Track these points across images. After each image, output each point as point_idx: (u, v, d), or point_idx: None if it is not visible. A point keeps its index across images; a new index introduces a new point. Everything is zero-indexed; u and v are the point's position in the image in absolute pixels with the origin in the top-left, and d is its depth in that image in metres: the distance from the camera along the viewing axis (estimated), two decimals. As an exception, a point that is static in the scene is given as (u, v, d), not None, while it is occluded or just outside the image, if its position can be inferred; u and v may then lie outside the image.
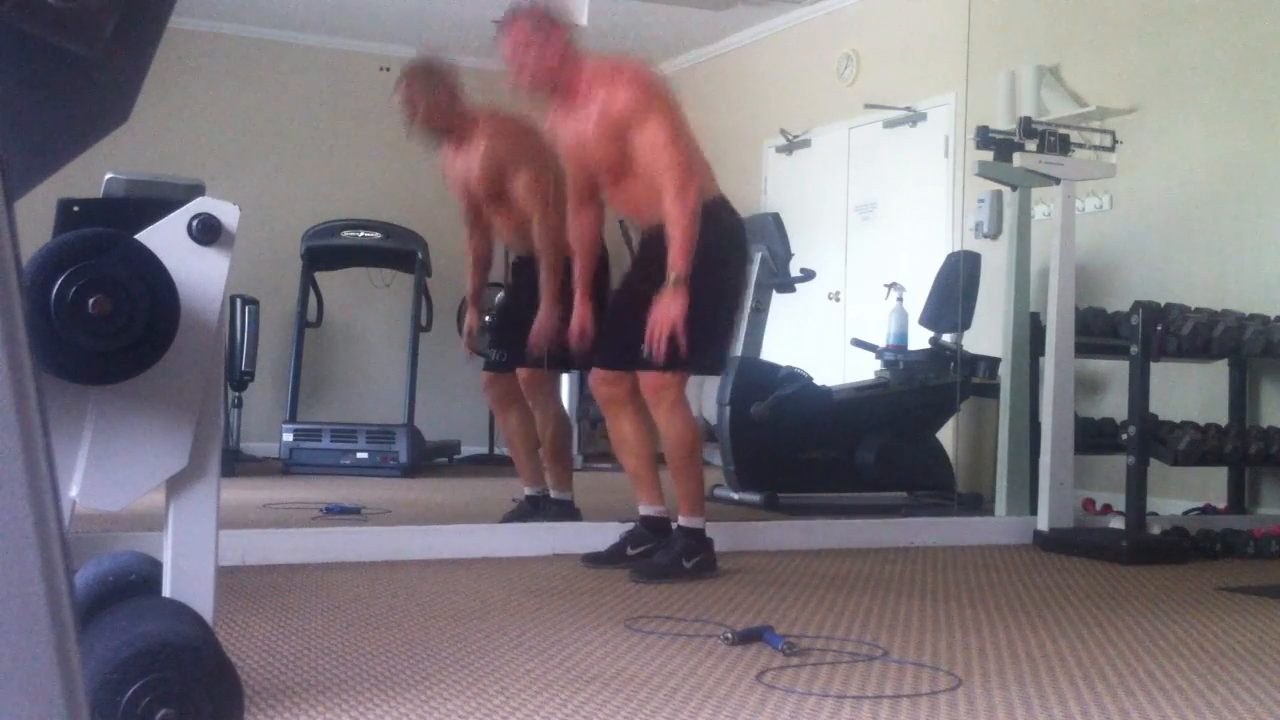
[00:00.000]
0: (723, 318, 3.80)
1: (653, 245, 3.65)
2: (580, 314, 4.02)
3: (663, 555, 3.66)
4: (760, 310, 6.54)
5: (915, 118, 7.03)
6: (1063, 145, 4.84)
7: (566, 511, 4.48)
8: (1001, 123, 5.67)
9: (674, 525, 3.76)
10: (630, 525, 3.88)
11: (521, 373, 4.45)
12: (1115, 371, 5.38)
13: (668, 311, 3.45)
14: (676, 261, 3.46)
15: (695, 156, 3.63)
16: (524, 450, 4.62)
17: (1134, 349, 4.42)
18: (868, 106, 7.16)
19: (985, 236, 6.39)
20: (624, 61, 3.69)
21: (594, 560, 3.80)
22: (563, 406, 4.71)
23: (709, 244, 3.57)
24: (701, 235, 3.53)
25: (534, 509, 4.54)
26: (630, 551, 3.78)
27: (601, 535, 4.02)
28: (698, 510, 3.72)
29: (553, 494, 4.55)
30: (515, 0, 3.74)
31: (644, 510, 3.85)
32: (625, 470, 3.92)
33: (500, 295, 4.88)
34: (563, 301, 4.21)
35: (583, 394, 7.58)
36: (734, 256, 3.81)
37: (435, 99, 4.31)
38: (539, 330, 4.26)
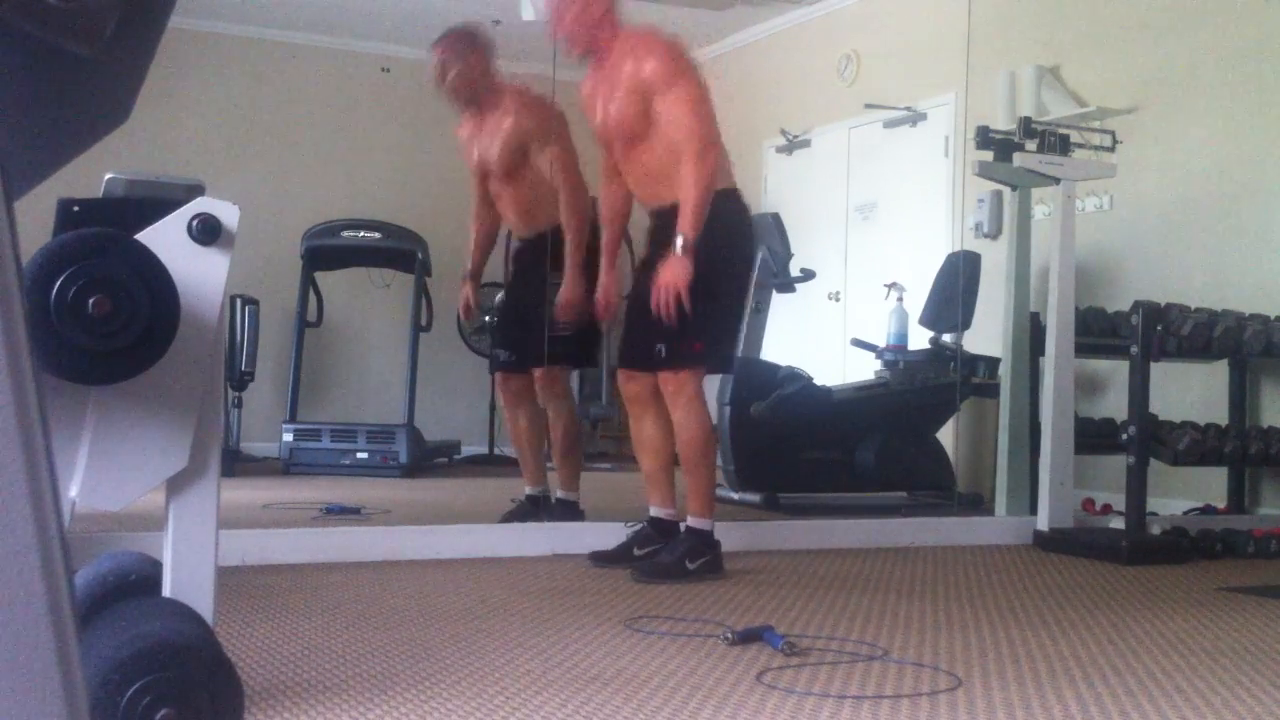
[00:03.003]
0: (733, 313, 3.81)
1: (663, 231, 3.65)
2: (606, 284, 4.02)
3: (667, 555, 3.64)
4: (760, 310, 6.53)
5: (915, 118, 7.03)
6: (1063, 145, 4.84)
7: (570, 512, 4.45)
8: (1001, 123, 5.67)
9: (682, 527, 3.76)
10: (638, 525, 3.87)
11: (537, 372, 4.44)
12: (1115, 371, 5.38)
13: (674, 276, 3.42)
14: (685, 228, 3.45)
15: (716, 135, 3.64)
16: (530, 449, 4.59)
17: (1134, 349, 4.42)
18: (868, 106, 7.16)
19: (985, 236, 6.39)
20: (658, 33, 3.73)
21: (600, 559, 3.80)
22: (575, 406, 4.70)
23: (717, 239, 3.56)
24: (710, 229, 3.52)
25: (534, 508, 4.52)
26: (637, 552, 3.77)
27: (601, 535, 4.02)
28: (706, 510, 3.71)
29: (559, 494, 4.52)
30: None
31: (654, 512, 3.84)
32: (642, 469, 3.89)
33: (501, 293, 4.86)
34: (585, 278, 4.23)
35: (583, 394, 7.58)
36: (741, 254, 3.81)
37: (468, 66, 4.36)
38: (565, 302, 4.25)
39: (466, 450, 8.00)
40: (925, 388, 5.78)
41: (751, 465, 5.56)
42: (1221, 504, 5.23)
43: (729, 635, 2.67)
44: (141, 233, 1.77)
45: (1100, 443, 5.08)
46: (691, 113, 3.53)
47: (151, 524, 2.23)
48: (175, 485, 1.85)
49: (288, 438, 7.07)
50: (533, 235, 4.47)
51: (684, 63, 3.65)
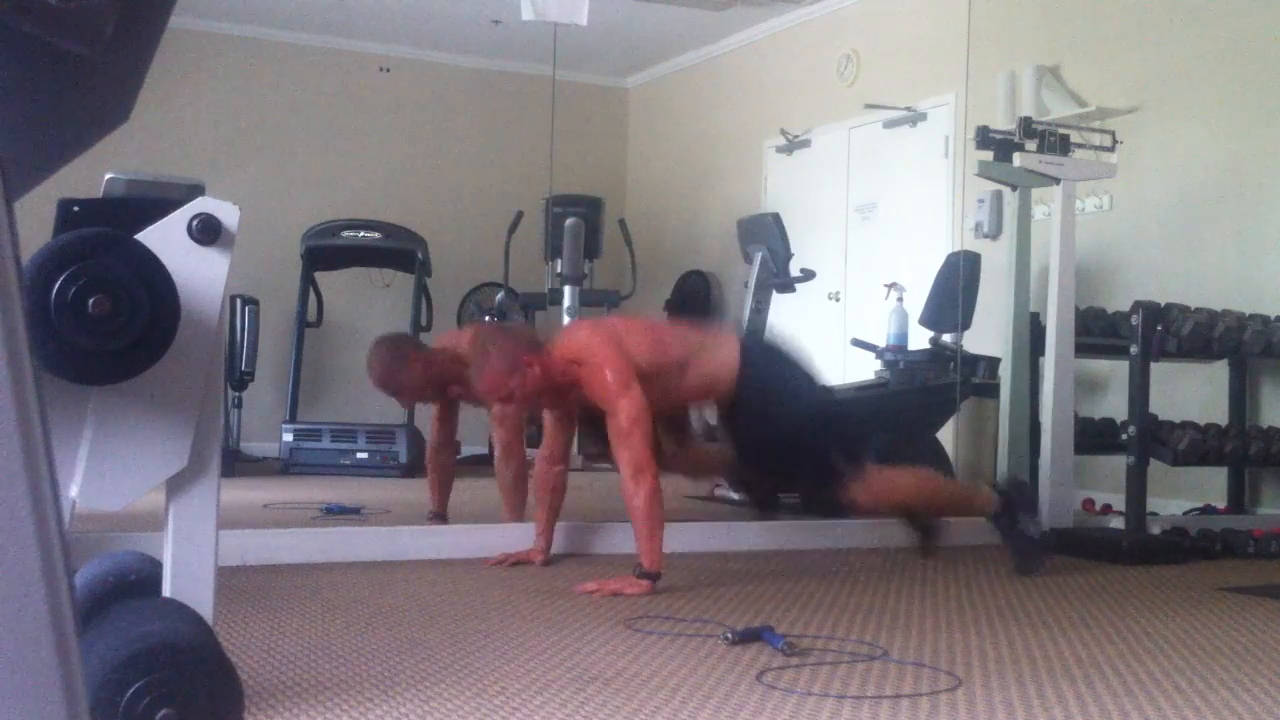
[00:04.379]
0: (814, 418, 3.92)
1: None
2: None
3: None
4: (760, 310, 6.54)
5: (915, 118, 7.03)
6: (1063, 145, 4.84)
7: None
8: (1001, 123, 5.67)
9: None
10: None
11: None
12: (1115, 371, 5.38)
13: (620, 586, 3.32)
14: (644, 554, 3.34)
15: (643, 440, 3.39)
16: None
17: (1134, 349, 4.42)
18: (868, 106, 7.16)
19: (985, 236, 6.39)
20: (577, 337, 3.62)
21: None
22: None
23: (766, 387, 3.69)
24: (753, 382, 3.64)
25: None
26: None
27: (600, 536, 4.02)
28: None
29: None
30: (476, 346, 3.62)
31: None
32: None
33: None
34: None
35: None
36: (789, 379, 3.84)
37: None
38: None
39: (466, 450, 8.00)
40: (925, 388, 5.78)
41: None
42: (1221, 504, 5.23)
43: (729, 635, 2.67)
44: (141, 233, 1.77)
45: (1100, 443, 5.08)
46: (624, 431, 3.36)
47: (151, 524, 2.23)
48: (175, 485, 1.85)
49: (288, 438, 7.07)
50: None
51: (608, 368, 3.45)
